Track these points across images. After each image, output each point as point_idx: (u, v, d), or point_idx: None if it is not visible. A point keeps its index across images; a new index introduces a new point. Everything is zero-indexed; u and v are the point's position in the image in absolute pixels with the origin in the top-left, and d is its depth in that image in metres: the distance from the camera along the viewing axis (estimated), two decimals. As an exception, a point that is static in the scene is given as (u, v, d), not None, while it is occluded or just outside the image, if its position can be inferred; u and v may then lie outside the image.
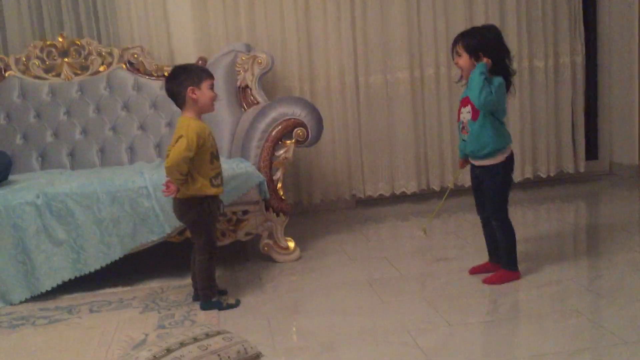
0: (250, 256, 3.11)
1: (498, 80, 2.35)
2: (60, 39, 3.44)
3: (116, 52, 3.48)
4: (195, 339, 1.88)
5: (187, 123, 2.30)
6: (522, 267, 2.55)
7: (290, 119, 2.89)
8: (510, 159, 2.46)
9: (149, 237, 2.67)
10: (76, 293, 2.69)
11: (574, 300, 2.29)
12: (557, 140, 4.07)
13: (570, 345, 1.92)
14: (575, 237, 3.16)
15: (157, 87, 3.45)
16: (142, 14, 3.57)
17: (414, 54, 3.83)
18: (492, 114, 2.39)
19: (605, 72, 4.23)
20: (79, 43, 3.46)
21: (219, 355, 1.84)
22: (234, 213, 2.83)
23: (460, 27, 3.78)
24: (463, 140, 2.48)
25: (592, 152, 4.30)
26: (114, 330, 2.27)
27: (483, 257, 2.64)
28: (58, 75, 3.46)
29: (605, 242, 2.98)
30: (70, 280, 2.66)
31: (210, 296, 2.42)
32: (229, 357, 1.86)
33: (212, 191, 2.35)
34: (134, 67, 3.50)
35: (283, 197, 2.96)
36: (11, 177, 2.99)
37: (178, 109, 2.40)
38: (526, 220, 3.51)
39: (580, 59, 4.02)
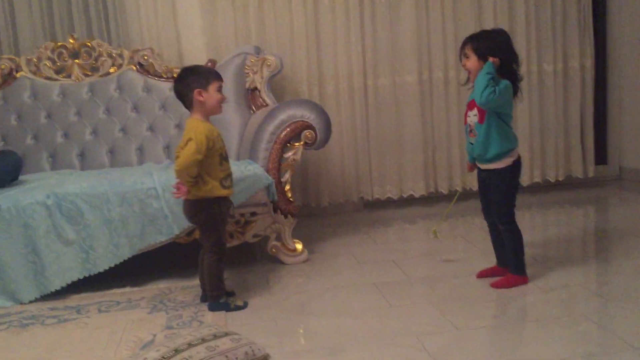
0: (258, 258, 3.12)
1: (505, 82, 2.35)
2: (71, 41, 3.47)
3: (126, 53, 3.50)
4: (203, 340, 1.88)
5: (195, 125, 2.30)
6: (530, 272, 2.55)
7: (298, 121, 2.90)
8: (517, 163, 2.46)
9: (158, 237, 2.68)
10: (85, 293, 2.71)
11: (582, 306, 2.28)
12: (566, 145, 4.05)
13: (579, 350, 1.92)
14: (584, 242, 3.15)
15: (166, 88, 3.47)
16: (152, 16, 3.59)
17: (422, 57, 3.83)
18: (499, 117, 2.38)
19: (615, 76, 4.21)
20: (89, 44, 3.48)
21: (226, 356, 1.84)
22: (242, 215, 2.84)
23: (469, 29, 3.78)
24: (470, 143, 2.48)
25: (602, 156, 4.28)
26: (122, 330, 2.28)
27: (491, 261, 2.64)
28: (69, 76, 3.48)
29: (614, 247, 2.97)
30: (79, 280, 2.67)
31: (218, 297, 2.43)
32: (236, 358, 1.86)
33: (222, 192, 2.36)
34: (143, 69, 3.52)
35: (291, 199, 2.97)
36: (22, 177, 3.02)
37: (187, 111, 2.41)
38: (535, 224, 3.50)
39: (589, 63, 4.01)
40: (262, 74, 3.39)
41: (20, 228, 2.61)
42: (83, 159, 3.38)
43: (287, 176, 2.94)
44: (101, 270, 2.67)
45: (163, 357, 1.78)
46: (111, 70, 3.50)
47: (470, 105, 2.45)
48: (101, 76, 3.50)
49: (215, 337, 1.92)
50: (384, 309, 2.36)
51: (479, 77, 2.34)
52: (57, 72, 3.48)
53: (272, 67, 3.37)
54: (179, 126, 3.43)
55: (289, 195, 2.96)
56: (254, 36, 3.66)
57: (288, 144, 2.91)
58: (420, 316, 2.26)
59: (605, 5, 4.17)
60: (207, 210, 2.36)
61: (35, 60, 3.45)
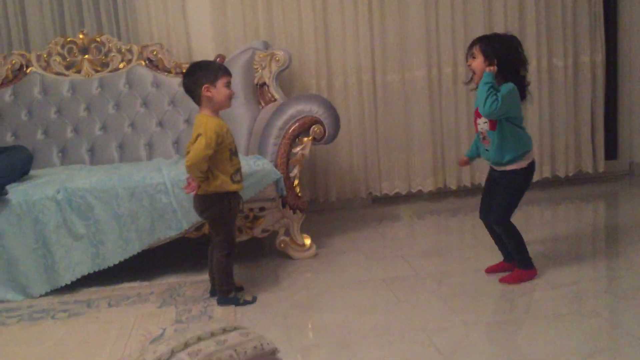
0: (266, 253, 3.13)
1: (507, 87, 2.32)
2: (81, 36, 3.48)
3: (135, 49, 3.51)
4: (213, 334, 1.89)
5: (205, 121, 2.31)
6: (540, 267, 2.54)
7: (307, 116, 2.90)
8: (531, 166, 2.44)
9: (167, 232, 2.69)
10: (95, 287, 2.72)
11: (591, 301, 2.27)
12: (576, 140, 4.03)
13: (588, 346, 1.91)
14: (593, 237, 3.13)
15: (175, 83, 3.48)
16: (161, 12, 3.60)
17: (431, 53, 3.82)
18: (510, 121, 2.37)
19: (626, 71, 4.18)
20: (99, 40, 3.50)
21: (235, 350, 1.85)
22: (251, 210, 2.85)
23: (479, 24, 3.78)
24: (486, 150, 2.46)
25: (612, 152, 4.25)
26: (132, 324, 2.30)
27: (499, 257, 2.63)
28: (78, 71, 3.50)
29: (624, 242, 2.96)
30: (89, 274, 2.69)
31: (227, 292, 2.44)
32: (245, 352, 1.87)
33: (232, 187, 2.36)
34: (153, 64, 3.53)
35: (300, 194, 2.97)
36: (32, 172, 3.04)
37: (196, 106, 2.41)
38: (544, 220, 3.48)
39: (600, 58, 3.98)
40: (270, 69, 3.39)
41: (30, 223, 2.63)
42: (93, 154, 3.40)
43: (295, 171, 2.94)
44: (111, 264, 2.69)
45: (173, 351, 1.79)
46: (120, 65, 3.52)
47: (478, 113, 2.43)
48: (111, 72, 3.51)
49: (225, 331, 1.93)
50: (392, 305, 2.36)
51: (479, 87, 2.33)
52: (67, 67, 3.49)
53: (280, 62, 3.37)
54: (188, 121, 3.44)
55: (298, 190, 2.96)
56: (263, 31, 3.66)
57: (297, 139, 2.91)
58: (428, 312, 2.26)
59: (616, 1, 4.13)
60: (217, 205, 2.37)
61: (45, 55, 3.46)
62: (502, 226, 2.47)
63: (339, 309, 2.36)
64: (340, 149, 3.80)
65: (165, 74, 3.52)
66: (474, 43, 2.40)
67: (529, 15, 3.83)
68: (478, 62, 2.37)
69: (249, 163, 2.74)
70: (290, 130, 2.89)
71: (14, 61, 3.43)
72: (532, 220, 3.42)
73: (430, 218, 3.66)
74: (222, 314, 2.34)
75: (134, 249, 2.69)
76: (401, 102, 3.84)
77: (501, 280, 2.48)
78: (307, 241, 3.00)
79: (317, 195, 3.86)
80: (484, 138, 2.46)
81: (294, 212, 2.95)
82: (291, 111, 2.90)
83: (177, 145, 3.43)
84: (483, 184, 3.80)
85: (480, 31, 3.79)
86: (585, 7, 3.89)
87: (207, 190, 2.34)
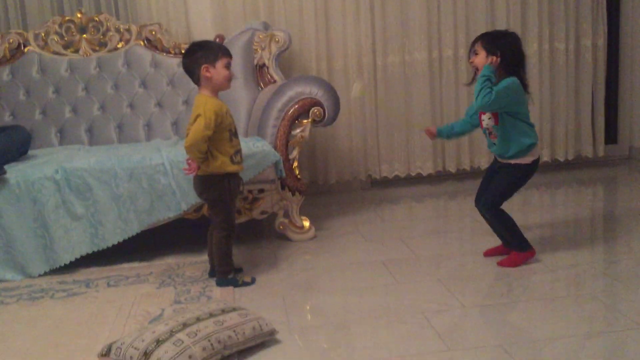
0: (265, 235, 3.13)
1: (506, 82, 2.32)
2: (79, 15, 3.45)
3: (134, 28, 3.48)
4: (211, 315, 1.90)
5: (204, 101, 2.30)
6: (538, 251, 2.54)
7: (307, 98, 2.89)
8: (535, 163, 2.45)
9: (166, 213, 2.69)
10: (94, 267, 2.73)
11: (589, 285, 2.28)
12: (576, 124, 4.02)
13: (585, 328, 1.92)
14: (592, 221, 3.14)
15: (174, 64, 3.45)
16: (160, -9, 3.57)
17: (432, 35, 3.79)
18: (513, 116, 2.37)
19: (627, 56, 4.16)
20: (97, 19, 3.46)
21: (234, 330, 1.86)
22: (250, 191, 2.85)
23: (480, 7, 3.75)
24: (493, 144, 2.46)
25: (612, 136, 4.25)
26: (131, 304, 2.30)
27: (497, 240, 2.64)
28: (76, 51, 3.47)
29: (622, 227, 2.96)
30: (88, 254, 2.69)
31: (226, 273, 2.44)
32: (244, 332, 1.88)
33: (232, 168, 2.36)
34: (151, 44, 3.50)
35: (299, 176, 2.97)
36: (30, 152, 3.03)
37: (195, 87, 2.40)
38: (543, 204, 3.49)
39: (602, 42, 3.95)
40: (270, 50, 3.36)
41: (29, 202, 2.63)
42: (91, 135, 3.38)
43: (295, 153, 2.93)
44: (110, 245, 2.69)
45: (172, 331, 1.80)
46: (119, 45, 3.49)
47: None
48: (109, 51, 3.48)
49: (223, 312, 1.94)
50: (391, 286, 2.37)
51: (477, 81, 2.33)
52: (65, 47, 3.47)
53: (280, 43, 3.35)
54: (187, 102, 3.42)
55: (297, 172, 2.96)
56: (263, 12, 3.63)
57: (296, 121, 2.90)
58: (427, 294, 2.26)
59: (618, -17, 4.11)
60: (217, 186, 2.36)
61: (43, 34, 3.44)
62: (490, 213, 2.49)
63: (337, 290, 2.37)
64: (339, 131, 3.79)
65: (164, 54, 3.49)
66: (476, 40, 2.41)
67: (531, -2, 3.81)
68: (480, 58, 2.37)
69: (248, 145, 2.73)
70: (290, 112, 2.88)
71: (11, 40, 3.41)
72: (531, 204, 3.42)
73: (429, 201, 3.66)
74: (221, 295, 2.35)
75: (133, 229, 2.69)
76: (401, 84, 3.82)
77: (499, 264, 2.49)
78: (306, 223, 3.00)
79: (316, 178, 3.86)
80: (490, 133, 2.46)
81: (293, 194, 2.95)
82: (291, 93, 2.89)
83: (176, 126, 3.41)
84: (482, 167, 3.82)
85: (481, 13, 3.77)
86: (587, -10, 3.86)
87: (207, 171, 2.33)
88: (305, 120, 2.91)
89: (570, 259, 2.53)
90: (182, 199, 2.66)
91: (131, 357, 1.76)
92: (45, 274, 2.67)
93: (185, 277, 2.56)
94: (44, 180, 2.63)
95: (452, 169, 3.95)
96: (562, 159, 4.04)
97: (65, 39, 3.46)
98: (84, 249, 2.68)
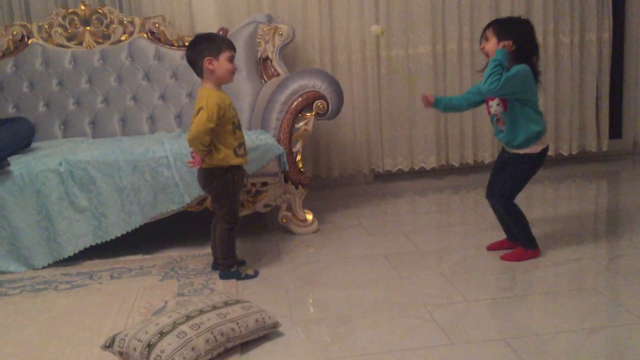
0: (268, 228, 3.13)
1: (517, 68, 2.28)
2: (82, 7, 3.44)
3: (137, 21, 3.48)
4: (214, 307, 1.91)
5: (207, 94, 2.29)
6: (541, 245, 2.54)
7: (310, 91, 2.88)
8: (544, 153, 2.43)
9: (169, 206, 2.69)
10: (97, 260, 2.74)
11: (592, 279, 2.28)
12: (580, 118, 4.00)
13: (588, 323, 1.92)
14: (595, 216, 3.13)
15: (178, 57, 3.45)
16: (164, -17, 3.56)
17: (436, 28, 3.77)
18: (522, 103, 2.34)
19: (633, 50, 4.13)
20: (100, 11, 3.46)
21: (237, 323, 1.87)
22: (253, 184, 2.85)
23: (485, 0, 3.72)
24: (501, 131, 2.44)
25: (616, 130, 4.23)
26: (135, 296, 2.31)
27: (501, 234, 2.63)
28: (80, 43, 3.47)
29: (626, 222, 2.95)
30: (91, 246, 2.70)
31: (229, 266, 2.45)
32: (247, 325, 1.88)
33: (236, 161, 2.35)
34: (155, 37, 3.50)
35: (302, 170, 2.97)
36: (34, 144, 3.04)
37: (198, 80, 2.40)
38: (547, 198, 3.48)
39: (607, 36, 3.93)
40: (273, 43, 3.35)
41: (33, 194, 2.63)
42: (95, 127, 3.39)
43: (298, 146, 2.93)
44: (113, 237, 2.70)
45: (175, 323, 1.80)
46: (122, 38, 3.48)
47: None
48: (112, 44, 3.48)
49: (226, 304, 1.94)
50: (394, 280, 2.37)
51: (488, 65, 2.30)
52: (69, 39, 3.46)
53: (284, 36, 3.34)
54: (190, 95, 3.42)
55: (300, 165, 2.96)
56: (266, 4, 3.61)
57: (299, 114, 2.90)
58: (429, 287, 2.27)
59: (624, -23, 4.08)
60: (221, 179, 2.36)
61: (46, 26, 3.43)
62: (504, 206, 2.47)
63: (340, 284, 2.37)
64: (343, 124, 3.78)
65: (168, 46, 3.49)
66: (487, 26, 2.37)
67: (537, -9, 3.78)
68: (491, 44, 2.33)
69: (251, 138, 2.73)
70: (293, 105, 2.88)
71: (15, 32, 3.41)
72: (535, 198, 3.41)
73: (432, 195, 3.65)
74: (224, 287, 2.35)
75: (136, 222, 2.69)
76: (405, 77, 3.81)
77: (503, 258, 2.49)
78: (309, 216, 3.01)
79: (319, 171, 3.86)
80: (498, 120, 2.44)
81: (296, 188, 2.95)
82: (294, 86, 2.89)
83: (180, 119, 3.41)
84: (486, 161, 3.81)
85: (486, 7, 3.75)
86: (593, -17, 3.84)
87: (211, 164, 2.33)
88: (308, 114, 2.91)
89: (574, 253, 2.53)
90: (185, 191, 2.66)
91: (134, 349, 1.76)
92: (49, 265, 2.68)
93: (188, 270, 2.57)
94: (47, 173, 2.63)
95: (455, 162, 3.95)
96: (566, 154, 4.02)
97: (69, 31, 3.46)
98: (88, 241, 2.69)
